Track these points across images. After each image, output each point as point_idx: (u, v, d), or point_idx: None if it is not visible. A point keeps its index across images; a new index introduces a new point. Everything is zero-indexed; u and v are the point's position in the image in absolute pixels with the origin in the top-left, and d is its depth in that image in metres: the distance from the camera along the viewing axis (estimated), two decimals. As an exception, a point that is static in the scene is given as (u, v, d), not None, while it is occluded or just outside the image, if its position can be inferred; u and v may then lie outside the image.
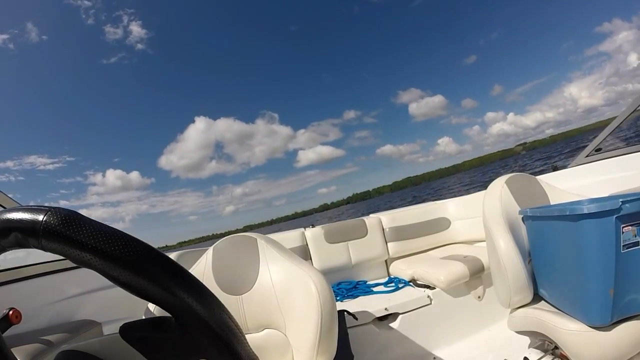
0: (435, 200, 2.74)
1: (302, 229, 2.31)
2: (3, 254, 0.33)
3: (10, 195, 1.51)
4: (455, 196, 2.64)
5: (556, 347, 1.19)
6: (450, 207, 2.47)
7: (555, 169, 2.20)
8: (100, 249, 0.28)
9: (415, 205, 2.72)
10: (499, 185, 1.39)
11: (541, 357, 1.29)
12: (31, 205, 0.29)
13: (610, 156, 1.89)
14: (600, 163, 1.93)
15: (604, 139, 1.95)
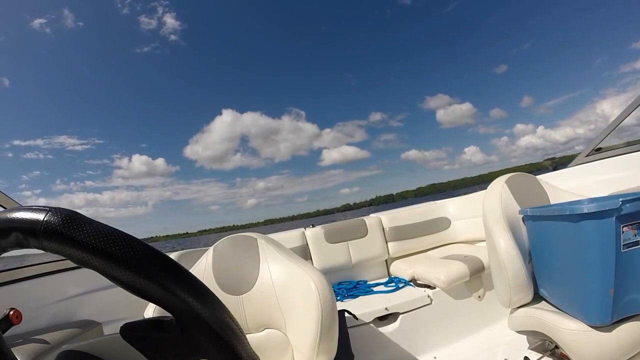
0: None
1: (302, 229, 2.30)
2: (3, 254, 0.33)
3: (11, 196, 1.51)
4: None
5: (556, 347, 1.19)
6: (450, 207, 2.47)
7: (555, 168, 2.20)
8: (101, 249, 0.28)
9: (416, 205, 2.72)
10: (499, 185, 1.39)
11: (541, 357, 1.29)
12: (32, 206, 0.29)
13: (610, 156, 1.89)
14: (600, 163, 1.93)
15: (604, 139, 1.96)
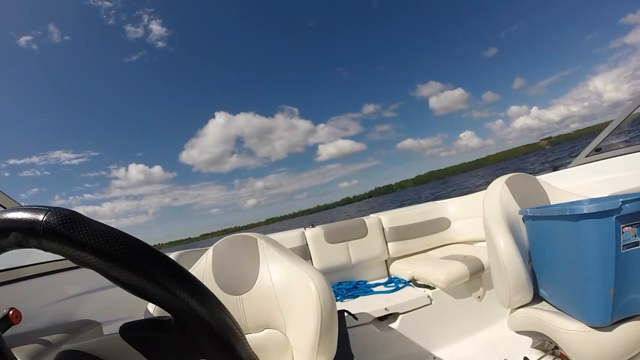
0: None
1: (302, 229, 2.31)
2: (3, 254, 0.33)
3: (9, 195, 1.51)
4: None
5: (556, 347, 1.19)
6: (450, 207, 2.47)
7: (555, 169, 2.20)
8: (100, 249, 0.28)
9: (415, 205, 2.72)
10: (499, 185, 1.39)
11: (541, 357, 1.29)
12: (31, 205, 0.29)
13: (610, 156, 1.89)
14: (600, 163, 1.93)
15: (604, 139, 1.96)
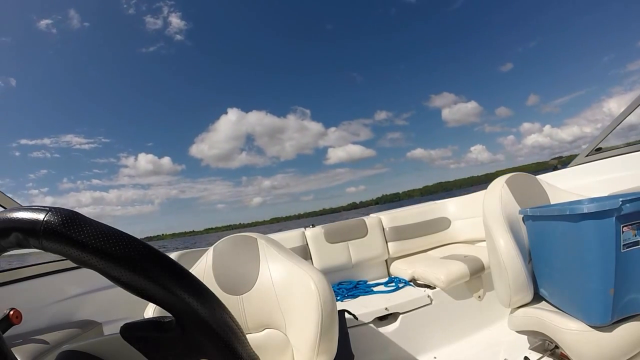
0: None
1: (302, 229, 2.30)
2: (3, 254, 0.33)
3: (10, 196, 1.51)
4: None
5: (556, 347, 1.19)
6: (450, 207, 2.47)
7: (555, 168, 2.20)
8: (101, 249, 0.28)
9: (416, 205, 2.72)
10: (499, 185, 1.39)
11: (541, 357, 1.29)
12: (32, 205, 0.29)
13: (610, 156, 1.89)
14: (600, 163, 1.93)
15: (604, 139, 1.96)
